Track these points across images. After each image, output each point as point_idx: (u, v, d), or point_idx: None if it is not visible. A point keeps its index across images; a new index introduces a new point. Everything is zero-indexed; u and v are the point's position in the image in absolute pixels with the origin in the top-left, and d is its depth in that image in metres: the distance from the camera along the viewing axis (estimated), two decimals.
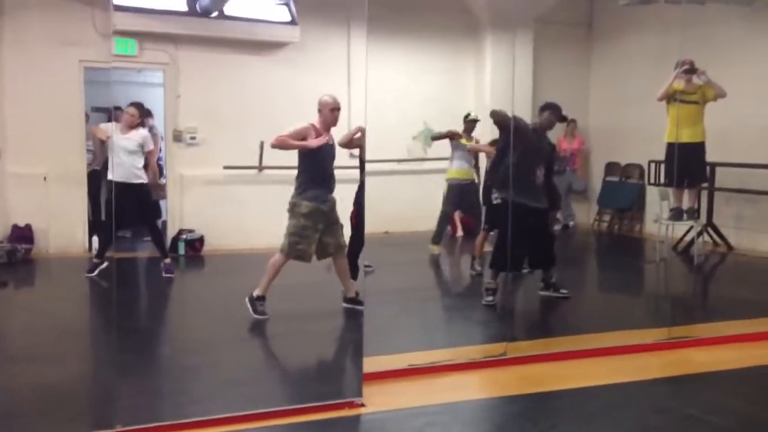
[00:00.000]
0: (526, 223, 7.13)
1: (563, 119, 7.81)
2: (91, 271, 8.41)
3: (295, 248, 6.84)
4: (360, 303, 6.92)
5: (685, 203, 9.44)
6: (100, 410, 4.91)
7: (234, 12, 10.47)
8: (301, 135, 6.84)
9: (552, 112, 7.60)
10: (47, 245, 10.03)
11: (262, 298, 6.84)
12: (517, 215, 6.91)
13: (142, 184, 8.47)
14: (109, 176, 8.37)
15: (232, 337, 6.62)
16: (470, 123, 9.72)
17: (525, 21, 12.00)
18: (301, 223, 6.83)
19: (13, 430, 4.52)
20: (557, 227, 9.61)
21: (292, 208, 6.89)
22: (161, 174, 10.92)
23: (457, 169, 9.57)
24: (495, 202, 8.19)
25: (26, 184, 9.86)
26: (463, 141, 9.60)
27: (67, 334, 6.74)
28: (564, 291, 7.70)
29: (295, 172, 7.01)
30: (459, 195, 9.59)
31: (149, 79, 11.79)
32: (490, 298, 7.38)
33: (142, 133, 8.57)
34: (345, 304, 7.16)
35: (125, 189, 8.19)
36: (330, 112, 6.93)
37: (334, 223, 7.03)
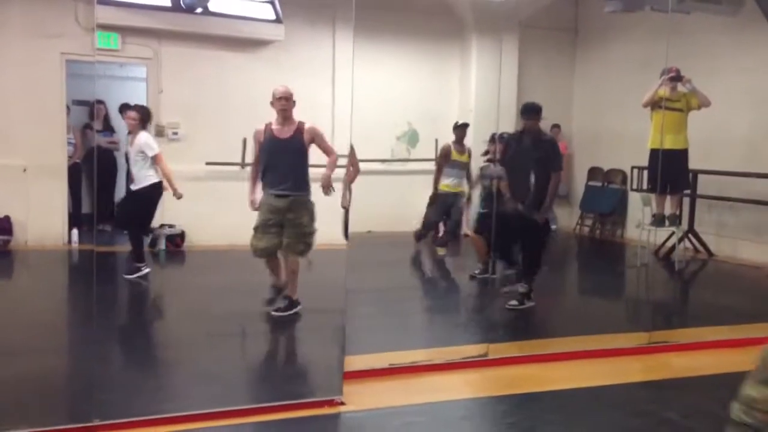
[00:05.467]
0: (513, 227, 7.19)
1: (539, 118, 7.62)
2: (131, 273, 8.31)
3: (251, 244, 6.82)
4: (292, 307, 6.89)
5: (667, 209, 9.50)
6: (78, 404, 4.86)
7: (218, 8, 10.44)
8: (254, 140, 6.84)
9: (528, 116, 7.33)
10: (26, 237, 9.95)
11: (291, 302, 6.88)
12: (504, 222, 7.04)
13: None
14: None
15: (212, 334, 6.57)
16: (461, 129, 9.56)
17: (511, 25, 12.04)
18: (257, 219, 6.82)
19: None
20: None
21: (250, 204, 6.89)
22: None
23: (446, 183, 9.48)
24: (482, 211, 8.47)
25: (6, 175, 9.77)
26: (455, 156, 9.45)
27: (45, 327, 6.67)
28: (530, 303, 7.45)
29: None
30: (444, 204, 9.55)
31: (132, 73, 11.70)
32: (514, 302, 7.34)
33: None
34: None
35: None
36: (276, 101, 6.70)
37: (296, 224, 6.78)
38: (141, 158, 8.18)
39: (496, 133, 8.96)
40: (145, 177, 8.21)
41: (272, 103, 6.72)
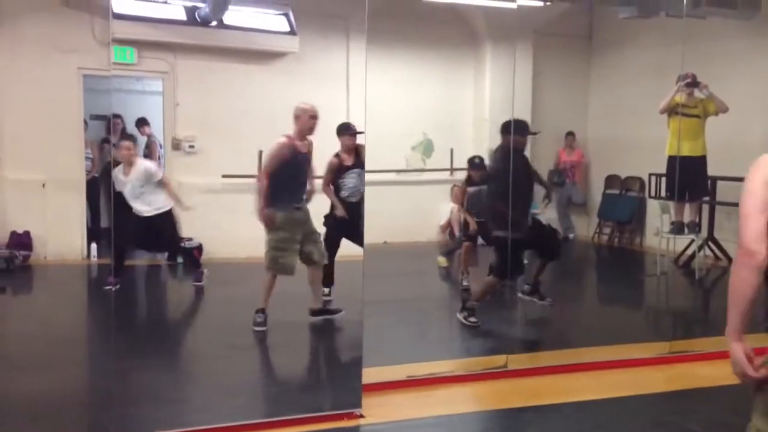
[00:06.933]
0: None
1: (530, 133, 7.55)
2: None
3: (278, 263, 6.76)
4: (330, 312, 6.94)
5: (686, 217, 9.42)
6: (96, 418, 4.87)
7: (233, 21, 10.45)
8: (279, 155, 6.79)
9: (518, 134, 7.19)
10: (45, 252, 9.99)
11: (261, 311, 6.79)
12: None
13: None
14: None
15: (231, 346, 6.57)
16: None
17: (525, 32, 12.00)
18: (279, 236, 6.76)
19: None
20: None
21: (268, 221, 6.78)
22: None
23: None
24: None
25: (25, 190, 9.82)
26: None
27: (64, 341, 6.71)
28: (548, 300, 7.54)
29: None
30: None
31: (148, 87, 11.78)
32: (473, 319, 7.16)
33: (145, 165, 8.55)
34: (312, 317, 6.98)
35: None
36: (309, 119, 6.80)
37: (312, 231, 6.95)
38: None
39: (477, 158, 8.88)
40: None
41: (300, 118, 6.81)
